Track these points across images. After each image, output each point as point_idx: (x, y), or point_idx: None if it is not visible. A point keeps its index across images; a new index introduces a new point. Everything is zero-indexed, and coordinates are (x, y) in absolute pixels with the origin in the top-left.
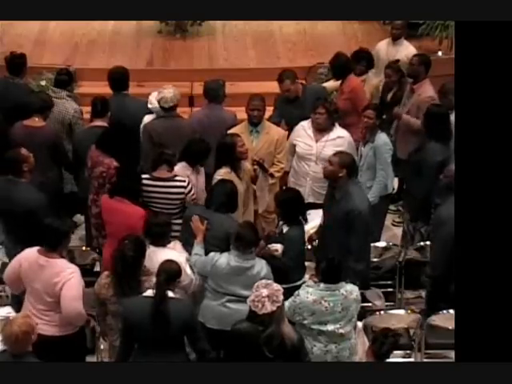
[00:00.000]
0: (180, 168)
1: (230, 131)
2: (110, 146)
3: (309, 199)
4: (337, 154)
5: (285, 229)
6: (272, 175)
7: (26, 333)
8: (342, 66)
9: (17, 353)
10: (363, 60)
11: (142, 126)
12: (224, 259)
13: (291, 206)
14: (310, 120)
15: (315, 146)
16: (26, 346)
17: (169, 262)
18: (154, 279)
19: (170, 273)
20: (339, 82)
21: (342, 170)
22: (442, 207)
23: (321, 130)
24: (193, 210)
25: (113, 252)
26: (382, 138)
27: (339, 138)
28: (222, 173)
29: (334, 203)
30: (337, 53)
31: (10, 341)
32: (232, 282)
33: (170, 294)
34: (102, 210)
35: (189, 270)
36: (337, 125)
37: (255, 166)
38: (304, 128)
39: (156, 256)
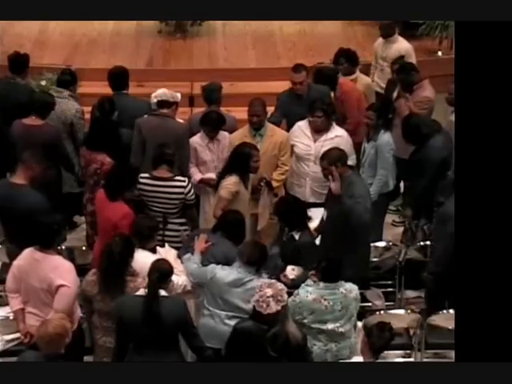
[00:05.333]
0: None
1: (233, 134)
2: (98, 143)
3: (309, 199)
4: (323, 155)
5: (296, 235)
6: (276, 194)
7: (59, 335)
8: None
9: (49, 354)
10: (341, 58)
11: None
12: (225, 271)
13: (293, 214)
14: (306, 120)
15: (313, 146)
16: (59, 348)
17: (161, 261)
18: (139, 280)
19: (162, 272)
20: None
21: (331, 168)
22: (447, 203)
23: (319, 130)
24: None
25: (101, 249)
26: (385, 137)
27: (337, 138)
28: (232, 182)
29: (335, 195)
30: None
31: (44, 341)
32: (230, 292)
33: (162, 292)
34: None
35: (174, 278)
36: (334, 124)
37: (262, 183)
38: (301, 128)
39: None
